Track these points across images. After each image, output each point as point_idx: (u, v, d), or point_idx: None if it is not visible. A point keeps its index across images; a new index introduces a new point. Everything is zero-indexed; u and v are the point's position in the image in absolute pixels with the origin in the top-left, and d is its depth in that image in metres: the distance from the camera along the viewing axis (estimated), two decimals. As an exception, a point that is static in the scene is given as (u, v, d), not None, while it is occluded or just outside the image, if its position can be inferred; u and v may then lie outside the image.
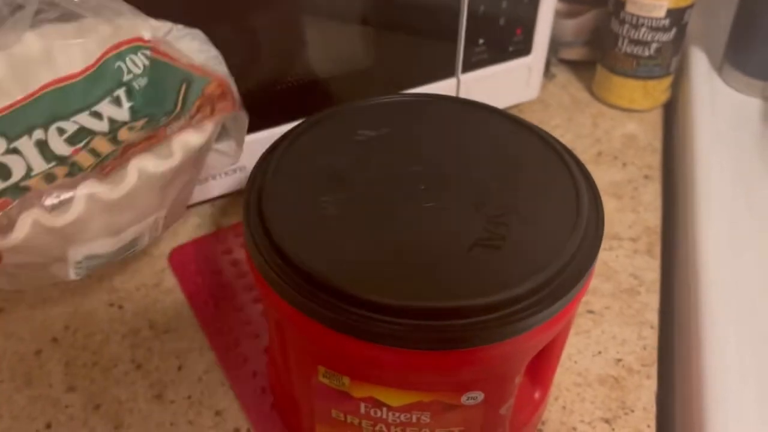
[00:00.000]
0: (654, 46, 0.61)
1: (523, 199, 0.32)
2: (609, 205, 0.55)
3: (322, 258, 0.29)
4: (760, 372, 0.40)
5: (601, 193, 0.56)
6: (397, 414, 0.31)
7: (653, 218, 0.54)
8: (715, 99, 0.63)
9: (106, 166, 0.32)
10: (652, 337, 0.45)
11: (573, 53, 0.71)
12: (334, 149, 0.35)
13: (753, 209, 0.52)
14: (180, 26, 0.38)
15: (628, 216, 0.54)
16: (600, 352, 0.44)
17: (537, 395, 0.37)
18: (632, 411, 0.41)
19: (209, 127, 0.34)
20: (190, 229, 0.53)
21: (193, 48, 0.36)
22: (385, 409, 0.31)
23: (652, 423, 0.40)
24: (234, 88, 0.36)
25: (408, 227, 0.31)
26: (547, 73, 0.70)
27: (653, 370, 0.43)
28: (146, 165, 0.32)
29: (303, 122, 0.37)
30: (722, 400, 0.39)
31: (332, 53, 0.51)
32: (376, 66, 0.53)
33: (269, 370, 0.41)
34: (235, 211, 0.54)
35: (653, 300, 0.48)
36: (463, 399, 0.30)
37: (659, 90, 0.64)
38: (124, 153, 0.32)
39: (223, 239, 0.51)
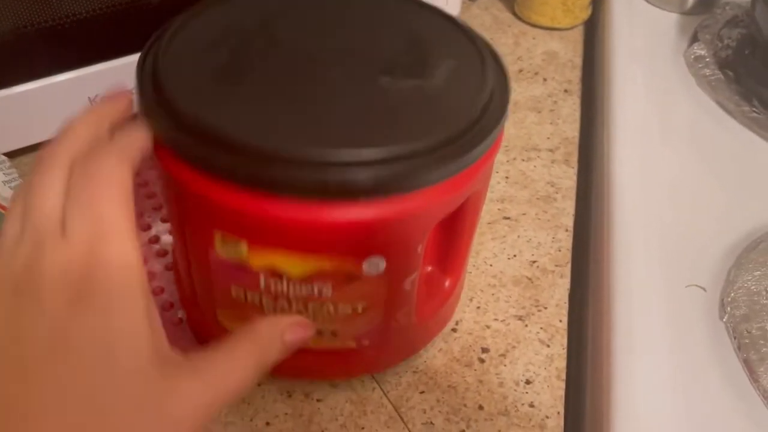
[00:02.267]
0: (572, -41, 0.60)
1: (429, 71, 0.31)
2: (528, 118, 0.55)
3: (212, 111, 0.28)
4: (668, 263, 0.41)
5: (521, 108, 0.56)
6: (298, 286, 0.30)
7: (571, 130, 0.54)
8: (633, 14, 0.63)
9: None
10: (566, 240, 0.45)
11: (495, -26, 0.69)
12: (236, 26, 0.33)
13: (664, 120, 0.53)
14: None
15: (547, 128, 0.54)
16: (515, 255, 0.44)
17: (447, 284, 0.36)
18: (545, 308, 0.41)
19: None
20: (96, 153, 0.50)
21: None
22: (285, 280, 0.30)
23: (564, 318, 0.41)
24: None
25: (308, 90, 0.30)
26: (470, -6, 0.69)
27: (567, 270, 0.44)
28: None
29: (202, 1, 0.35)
30: (630, 291, 0.40)
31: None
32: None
33: (174, 267, 0.40)
34: (144, 134, 0.52)
35: (569, 206, 0.48)
36: (365, 266, 0.30)
37: (579, 7, 0.64)
38: None
39: (131, 162, 0.49)
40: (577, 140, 0.53)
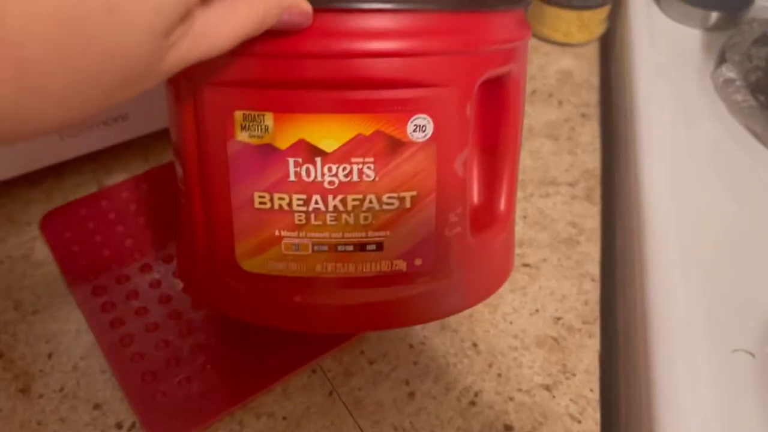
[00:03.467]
0: (590, -29, 0.56)
1: None
2: (545, 147, 0.51)
3: None
4: (711, 324, 0.37)
5: (536, 135, 0.51)
6: (334, 169, 0.26)
7: (592, 160, 0.50)
8: (653, 30, 0.58)
9: None
10: (593, 291, 0.41)
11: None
12: None
13: (695, 147, 0.48)
14: None
15: (566, 158, 0.50)
16: (537, 311, 0.40)
17: (502, 207, 0.32)
18: (574, 375, 0.37)
19: None
20: (67, 189, 0.45)
21: None
22: (319, 162, 0.26)
23: (596, 386, 0.36)
24: None
25: None
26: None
27: (595, 328, 0.39)
28: None
29: None
30: (671, 357, 0.35)
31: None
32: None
33: (186, 225, 0.33)
34: (122, 167, 0.47)
35: (594, 250, 0.43)
36: (410, 129, 0.26)
37: (595, 22, 0.59)
38: None
39: (107, 199, 0.44)
40: (598, 172, 0.49)
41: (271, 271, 0.28)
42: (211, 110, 0.27)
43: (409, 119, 0.26)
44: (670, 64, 0.55)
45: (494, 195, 0.32)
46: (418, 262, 0.29)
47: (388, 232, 0.28)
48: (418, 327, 0.38)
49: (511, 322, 0.39)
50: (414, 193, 0.27)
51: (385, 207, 0.27)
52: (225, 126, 0.27)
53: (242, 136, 0.26)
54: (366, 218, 0.27)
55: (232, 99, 0.26)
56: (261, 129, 0.26)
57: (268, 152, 0.26)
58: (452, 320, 0.39)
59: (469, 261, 0.30)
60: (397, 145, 0.26)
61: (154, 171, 0.46)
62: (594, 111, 0.54)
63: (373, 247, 0.28)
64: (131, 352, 0.36)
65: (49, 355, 0.36)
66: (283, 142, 0.26)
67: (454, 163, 0.28)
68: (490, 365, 0.37)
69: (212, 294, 0.31)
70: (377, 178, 0.27)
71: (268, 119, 0.26)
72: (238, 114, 0.26)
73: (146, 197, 0.44)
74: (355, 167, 0.26)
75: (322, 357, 0.36)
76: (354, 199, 0.27)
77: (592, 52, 0.60)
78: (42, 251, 0.41)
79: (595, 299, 0.41)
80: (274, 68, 0.25)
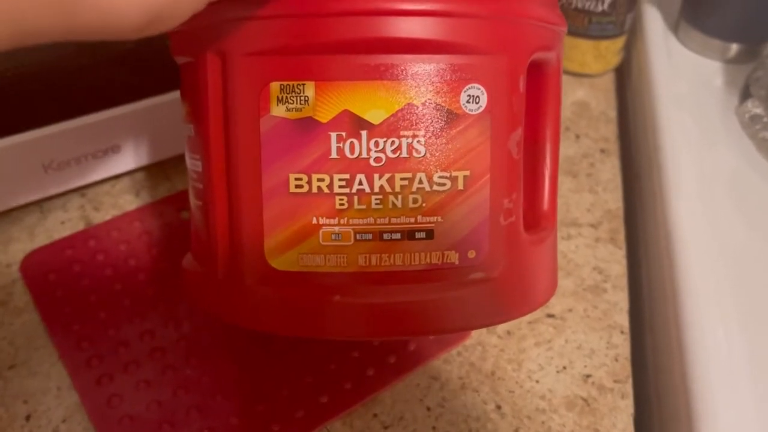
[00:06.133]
0: (608, 0, 0.53)
1: None
2: (564, 185, 0.48)
3: None
4: (756, 391, 0.34)
5: (555, 171, 0.48)
6: (381, 144, 0.24)
7: (614, 199, 0.47)
8: (672, 62, 0.56)
9: None
10: (623, 345, 0.38)
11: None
12: None
13: (724, 186, 0.45)
14: None
15: (586, 197, 0.47)
16: (565, 368, 0.37)
17: (546, 206, 0.30)
18: (608, 441, 0.34)
19: None
20: (52, 227, 0.42)
21: None
22: (365, 136, 0.24)
23: (632, 455, 0.33)
24: None
25: None
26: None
27: (628, 387, 0.36)
28: None
29: None
30: (717, 421, 0.32)
31: None
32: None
33: (206, 221, 0.28)
34: (112, 201, 0.43)
35: (621, 299, 0.40)
36: (463, 99, 0.24)
37: (612, 52, 0.57)
38: None
39: (95, 239, 0.40)
40: (621, 213, 0.46)
41: (305, 267, 0.25)
42: (244, 84, 0.25)
43: (462, 89, 0.24)
44: (692, 98, 0.53)
45: (537, 192, 0.31)
46: (471, 254, 0.26)
47: (439, 218, 0.25)
48: (437, 386, 0.35)
49: (537, 381, 0.36)
50: (467, 172, 0.25)
51: (435, 188, 0.25)
52: (258, 101, 0.24)
53: (278, 111, 0.24)
54: (415, 201, 0.25)
55: (268, 69, 0.24)
56: (300, 101, 0.24)
57: (306, 127, 0.24)
58: (473, 379, 0.35)
59: (523, 259, 0.28)
60: (449, 117, 0.24)
61: (146, 207, 0.43)
62: (613, 146, 0.51)
63: (423, 235, 0.25)
64: (119, 415, 0.32)
65: (27, 417, 0.32)
66: (325, 115, 0.24)
67: (508, 142, 0.26)
68: (516, 431, 0.34)
69: (233, 304, 0.27)
70: (428, 155, 0.24)
71: (309, 89, 0.24)
72: (275, 86, 0.24)
73: (138, 236, 0.41)
74: (404, 141, 0.24)
75: (330, 421, 0.33)
76: (402, 179, 0.24)
77: (608, 83, 0.58)
78: (22, 297, 0.38)
79: (626, 355, 0.37)
80: (315, 30, 0.23)
